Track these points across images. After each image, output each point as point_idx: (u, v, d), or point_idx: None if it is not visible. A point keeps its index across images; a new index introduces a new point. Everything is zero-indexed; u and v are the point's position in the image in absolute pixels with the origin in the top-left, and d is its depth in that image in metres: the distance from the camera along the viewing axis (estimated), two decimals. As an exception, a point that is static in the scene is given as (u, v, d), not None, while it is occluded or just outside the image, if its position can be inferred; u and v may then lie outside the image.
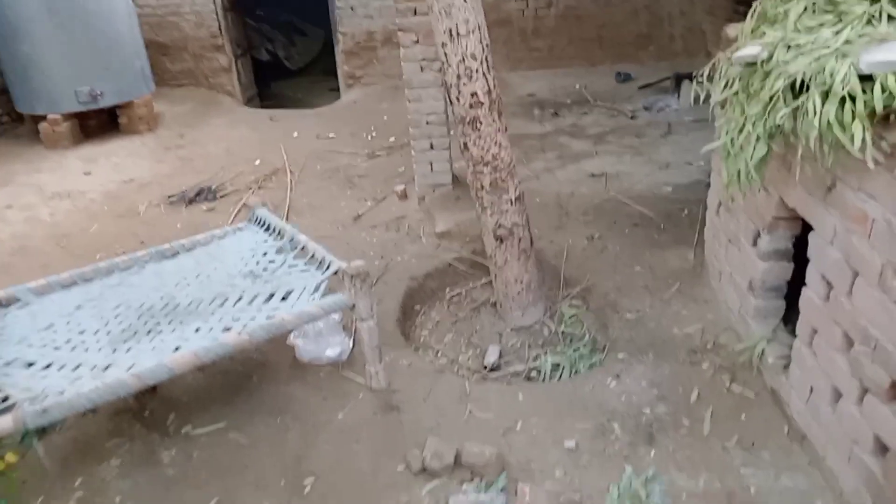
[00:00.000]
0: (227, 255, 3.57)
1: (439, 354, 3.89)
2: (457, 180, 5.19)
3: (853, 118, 1.85)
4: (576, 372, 3.57)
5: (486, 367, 3.74)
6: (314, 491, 2.79)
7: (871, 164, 1.86)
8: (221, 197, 5.71)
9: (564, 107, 7.37)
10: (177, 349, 2.76)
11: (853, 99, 1.86)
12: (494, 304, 4.20)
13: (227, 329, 2.91)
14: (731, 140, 2.39)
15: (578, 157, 5.82)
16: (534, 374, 3.69)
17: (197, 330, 2.94)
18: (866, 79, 1.87)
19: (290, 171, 6.12)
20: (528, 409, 3.21)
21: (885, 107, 1.82)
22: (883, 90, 1.81)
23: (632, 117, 6.77)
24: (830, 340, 2.32)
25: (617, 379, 3.30)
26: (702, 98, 2.73)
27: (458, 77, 3.26)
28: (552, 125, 6.79)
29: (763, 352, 2.93)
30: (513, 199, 3.64)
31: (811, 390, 2.50)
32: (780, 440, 2.72)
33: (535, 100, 7.69)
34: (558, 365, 3.70)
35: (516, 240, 3.77)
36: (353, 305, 3.12)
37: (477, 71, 3.24)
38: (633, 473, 2.67)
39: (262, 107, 9.06)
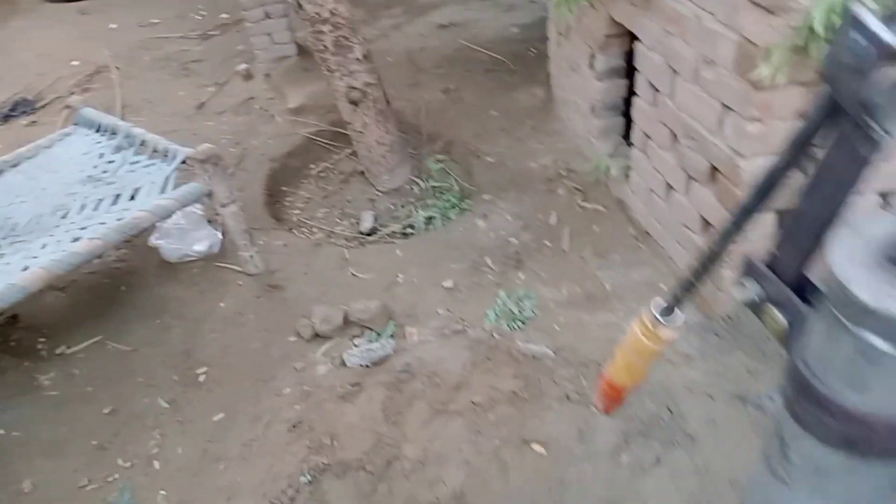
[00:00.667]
0: (60, 164, 3.27)
1: (314, 230, 3.88)
2: (302, 50, 4.92)
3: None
4: (448, 220, 3.70)
5: (362, 234, 3.79)
6: (210, 378, 2.81)
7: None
8: (42, 107, 5.10)
9: (403, -41, 6.99)
10: (25, 269, 2.56)
11: None
12: (363, 173, 4.17)
13: (77, 240, 2.73)
14: (554, -42, 2.41)
15: (425, 10, 5.64)
16: (409, 230, 3.79)
17: (44, 246, 2.73)
18: None
19: (116, 68, 5.52)
20: (407, 263, 3.33)
21: None
22: None
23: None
24: (659, 141, 2.53)
25: (485, 218, 3.47)
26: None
27: (272, -73, 2.99)
28: (394, -21, 6.46)
29: (608, 167, 3.16)
30: (360, 58, 3.52)
31: (649, 191, 2.76)
32: (628, 242, 3.02)
33: (372, -45, 7.22)
34: (431, 217, 3.81)
35: (371, 101, 3.69)
36: (210, 192, 3.00)
37: (292, -81, 2.98)
38: (507, 296, 2.89)
39: (67, 1, 7.91)
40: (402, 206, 3.98)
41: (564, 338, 2.67)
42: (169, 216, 3.03)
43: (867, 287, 0.45)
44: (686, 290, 0.73)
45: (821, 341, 0.51)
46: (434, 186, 4.05)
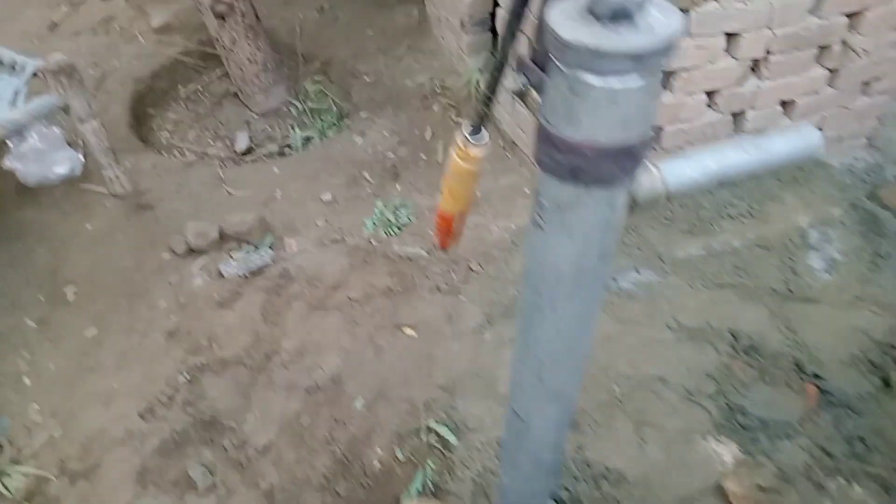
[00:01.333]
0: None
1: (186, 152, 3.77)
2: (162, -36, 4.61)
3: None
4: (326, 138, 3.72)
5: (238, 153, 3.73)
6: (80, 296, 2.74)
7: None
8: None
9: None
10: None
11: None
12: (237, 94, 4.06)
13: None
14: None
15: (296, -73, 5.41)
16: (287, 150, 3.77)
17: None
18: None
19: (-55, -19, 4.92)
20: (285, 179, 3.34)
21: None
22: None
23: None
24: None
25: (362, 135, 3.52)
26: None
27: None
28: None
29: (477, 81, 3.29)
30: (222, -32, 3.38)
31: (514, 103, 2.93)
32: (497, 152, 3.19)
33: None
34: (309, 137, 3.81)
35: (239, 15, 3.57)
36: (67, 107, 2.84)
37: None
38: (384, 205, 2.99)
39: None
40: (279, 127, 3.93)
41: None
42: (21, 132, 2.85)
43: (569, 29, 0.59)
44: (485, 106, 0.86)
45: (550, 94, 0.65)
46: (312, 107, 4.03)
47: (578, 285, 0.76)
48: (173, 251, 2.87)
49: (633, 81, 0.59)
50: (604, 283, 0.80)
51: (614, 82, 0.59)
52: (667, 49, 0.59)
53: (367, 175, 3.28)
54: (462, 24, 3.35)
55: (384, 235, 2.87)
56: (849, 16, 2.35)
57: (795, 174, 2.76)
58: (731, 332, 2.34)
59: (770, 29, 2.27)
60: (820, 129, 2.70)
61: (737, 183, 2.63)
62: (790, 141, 0.75)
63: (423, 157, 3.31)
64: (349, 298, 2.49)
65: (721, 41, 2.27)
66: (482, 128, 0.91)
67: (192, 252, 2.87)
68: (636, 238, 2.65)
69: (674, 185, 0.74)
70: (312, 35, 4.28)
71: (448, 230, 1.10)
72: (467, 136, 0.92)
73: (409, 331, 2.34)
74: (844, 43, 2.42)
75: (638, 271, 2.56)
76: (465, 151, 0.92)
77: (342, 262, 2.73)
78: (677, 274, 2.53)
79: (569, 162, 0.64)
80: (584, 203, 0.67)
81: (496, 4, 3.02)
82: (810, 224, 2.62)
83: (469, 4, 3.22)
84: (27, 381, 2.40)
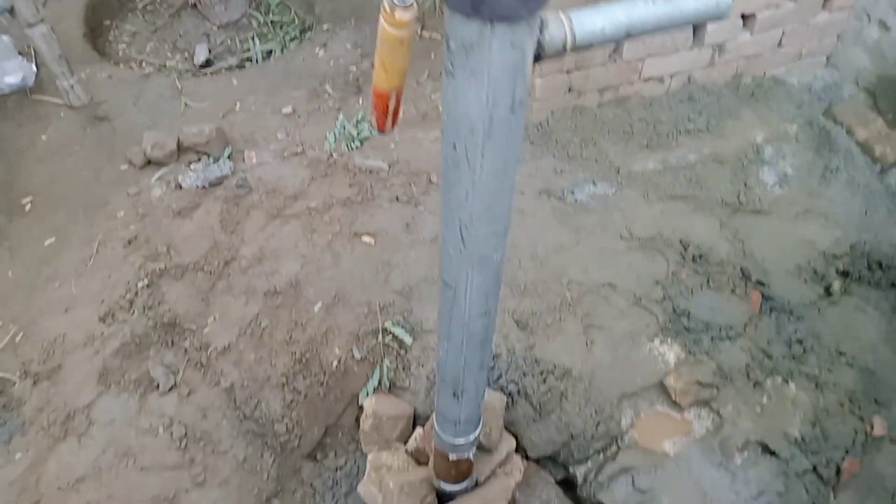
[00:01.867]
0: None
1: (143, 64, 3.66)
2: None
3: None
4: (287, 51, 3.63)
5: (197, 66, 3.63)
6: (37, 207, 2.71)
7: None
8: None
9: None
10: None
11: None
12: (195, 6, 3.93)
13: None
14: None
15: None
16: (247, 63, 3.68)
17: None
18: None
19: None
20: (245, 91, 3.27)
21: None
22: None
23: None
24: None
25: (324, 48, 3.45)
26: None
27: None
28: None
29: (442, -10, 3.20)
30: None
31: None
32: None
33: None
34: (270, 50, 3.72)
35: (193, -82, 3.41)
36: (11, 8, 2.73)
37: None
38: (346, 119, 2.96)
39: None
40: (239, 40, 3.83)
41: (399, 153, 2.81)
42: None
43: None
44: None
45: None
46: (273, 20, 3.92)
47: (490, 136, 0.78)
48: (131, 162, 2.83)
49: None
50: (519, 138, 0.82)
51: None
52: None
53: (329, 88, 3.23)
54: (427, -68, 3.24)
55: (345, 149, 2.85)
56: (812, -78, 2.33)
57: (754, 90, 2.78)
58: (681, 242, 2.40)
59: (732, -67, 2.24)
60: (780, 45, 2.71)
61: (644, 34, 2.65)
62: (699, -5, 0.76)
63: (387, 72, 3.26)
64: (308, 208, 2.49)
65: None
66: (407, -9, 0.90)
67: (150, 163, 2.84)
68: (594, 151, 2.67)
69: (581, 34, 0.75)
70: (274, -55, 4.11)
71: (384, 108, 1.11)
72: (393, 0, 0.91)
73: (367, 238, 2.37)
74: (807, -49, 2.40)
75: (594, 184, 2.59)
76: (392, 16, 0.91)
77: (302, 174, 2.72)
78: (633, 187, 2.57)
79: (469, -7, 0.64)
80: (489, 42, 0.68)
81: None
82: (765, 139, 2.66)
83: None
84: (-16, 288, 2.40)
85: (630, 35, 0.77)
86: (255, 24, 3.90)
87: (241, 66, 3.60)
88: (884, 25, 2.63)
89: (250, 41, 3.73)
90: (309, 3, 3.91)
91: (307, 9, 3.91)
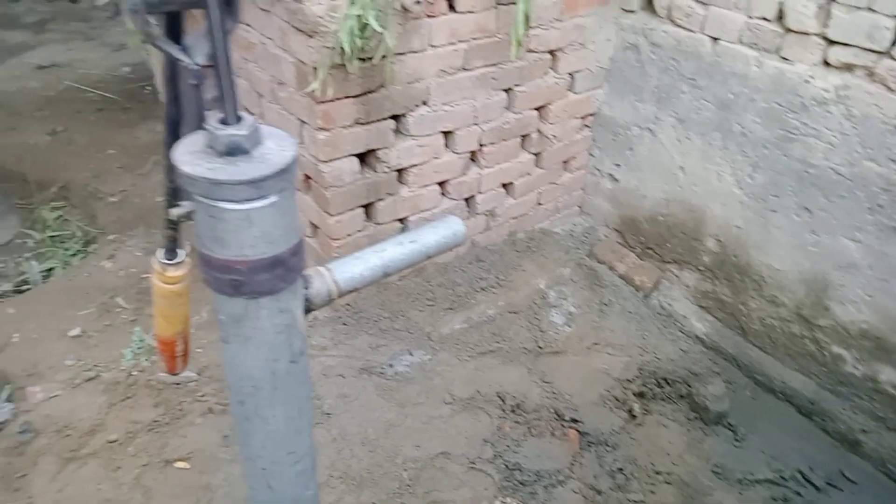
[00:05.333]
0: None
1: None
2: None
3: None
4: (70, 267, 3.41)
5: (-40, 299, 3.25)
6: None
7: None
8: None
9: (-16, -4, 6.21)
10: None
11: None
12: (-46, 233, 3.59)
13: None
14: None
15: (19, 50, 5.09)
16: (25, 286, 3.39)
17: None
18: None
19: None
20: (23, 319, 2.98)
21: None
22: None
23: (73, 1, 6.15)
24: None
25: (112, 259, 3.30)
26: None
27: None
28: (-28, 18, 5.69)
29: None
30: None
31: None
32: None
33: (-59, -10, 6.24)
34: (50, 269, 3.47)
35: (-54, 148, 3.21)
36: None
37: None
38: (143, 331, 2.80)
39: None
40: (14, 263, 3.53)
41: (208, 358, 2.70)
42: None
43: (190, 164, 0.67)
44: (171, 230, 0.90)
45: (197, 219, 0.72)
46: (53, 236, 3.69)
47: (277, 389, 0.81)
48: None
49: (261, 203, 0.68)
50: (306, 383, 0.86)
51: (244, 206, 0.67)
52: (285, 173, 0.69)
53: (121, 301, 3.06)
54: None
55: (147, 363, 2.68)
56: (538, 109, 2.83)
57: (529, 244, 3.16)
58: (498, 395, 2.54)
59: (478, 125, 2.64)
60: (540, 204, 3.15)
61: (483, 260, 2.93)
62: (439, 231, 0.90)
63: (185, 274, 3.19)
64: (108, 442, 2.26)
65: (440, 139, 2.58)
66: (176, 250, 0.94)
67: None
68: (404, 322, 2.80)
69: (344, 282, 0.83)
70: (46, 160, 3.98)
71: (172, 354, 1.09)
72: (164, 259, 0.94)
73: (181, 464, 2.18)
74: (540, 132, 2.89)
75: (411, 353, 2.69)
76: (164, 275, 0.94)
77: (98, 402, 2.48)
78: (446, 349, 2.70)
79: (228, 278, 0.70)
80: (256, 313, 0.73)
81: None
82: (547, 285, 3.00)
83: (213, 120, 3.26)
84: None
85: (387, 274, 0.88)
86: (31, 242, 3.64)
87: (17, 291, 3.30)
88: (613, 178, 3.19)
89: (26, 263, 3.46)
90: (91, 214, 3.77)
91: (89, 220, 3.76)
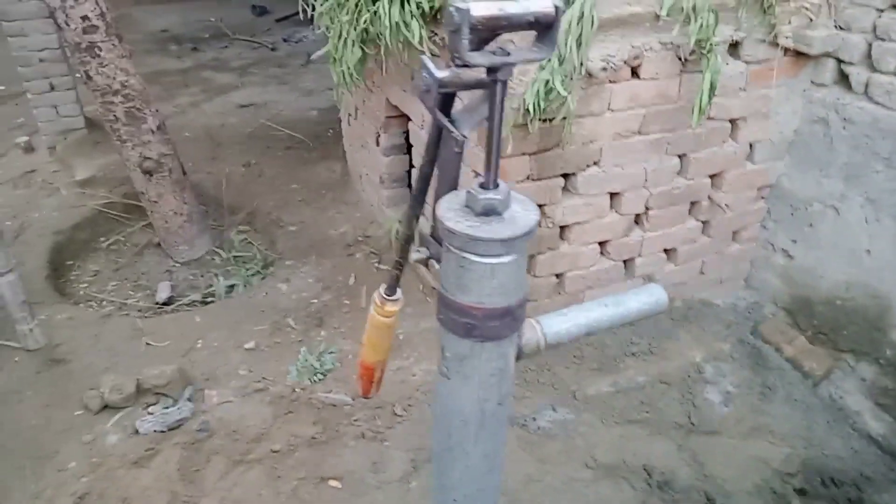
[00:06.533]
0: None
1: (104, 303, 3.73)
2: (92, 123, 4.80)
3: (412, 17, 2.35)
4: (250, 286, 3.79)
5: (158, 304, 3.72)
6: (-23, 462, 2.57)
7: (429, 55, 2.40)
8: None
9: (203, 41, 7.19)
10: None
11: (409, 1, 2.36)
12: (159, 245, 4.13)
13: None
14: (335, 47, 2.78)
15: (224, 90, 5.83)
16: (210, 299, 3.80)
17: None
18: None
19: None
20: (207, 328, 3.34)
21: (430, 7, 2.35)
22: (427, -7, 2.33)
23: (272, 49, 6.95)
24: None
25: (287, 282, 3.63)
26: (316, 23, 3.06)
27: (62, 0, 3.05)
28: (192, 60, 6.60)
29: (397, 231, 3.52)
30: (153, 129, 3.59)
31: (430, 248, 3.16)
32: (418, 297, 3.36)
33: (170, 35, 7.33)
34: (233, 285, 3.87)
35: (167, 171, 3.73)
36: (-17, 261, 2.83)
37: (81, -9, 3.07)
38: (308, 351, 3.04)
39: None
40: (203, 276, 3.99)
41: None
42: (-70, 288, 2.80)
43: (453, 220, 0.76)
44: (397, 270, 1.01)
45: (444, 266, 0.81)
46: (237, 256, 4.13)
47: (482, 427, 0.87)
48: (87, 407, 2.77)
49: (506, 259, 0.76)
50: (505, 425, 0.92)
51: (491, 260, 0.75)
52: (528, 235, 0.77)
53: (291, 322, 3.34)
54: (381, 180, 3.64)
55: (308, 382, 2.89)
56: (711, 176, 2.77)
57: (686, 313, 3.05)
58: (644, 468, 2.45)
59: (647, 188, 2.64)
60: (702, 273, 3.05)
61: (634, 324, 2.88)
62: (642, 298, 0.93)
63: (347, 303, 3.43)
64: (272, 451, 2.46)
65: (606, 199, 2.61)
66: (396, 288, 1.05)
67: (108, 408, 2.78)
68: (551, 377, 2.80)
69: (551, 336, 0.89)
70: (238, 188, 4.49)
71: (370, 379, 1.21)
72: (384, 294, 1.06)
73: (334, 483, 2.32)
74: (710, 199, 2.82)
75: (554, 409, 2.68)
76: (382, 308, 1.05)
77: (265, 413, 2.71)
78: (590, 411, 2.67)
79: (463, 321, 0.78)
80: (479, 355, 0.81)
81: (411, 165, 3.34)
82: (704, 359, 2.87)
83: (387, 164, 3.53)
84: None
85: (590, 333, 0.92)
86: (218, 260, 4.09)
87: (204, 303, 3.71)
88: (787, 254, 3.02)
89: (214, 278, 3.89)
90: (271, 240, 4.18)
91: (269, 245, 4.17)
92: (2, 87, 5.91)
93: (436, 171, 0.90)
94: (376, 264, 3.66)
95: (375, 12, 2.48)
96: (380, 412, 2.69)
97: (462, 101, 0.81)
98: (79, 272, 3.95)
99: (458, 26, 0.69)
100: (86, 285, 3.85)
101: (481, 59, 0.72)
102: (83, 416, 2.75)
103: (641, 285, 2.71)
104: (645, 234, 2.78)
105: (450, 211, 0.78)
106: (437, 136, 0.85)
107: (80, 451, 2.57)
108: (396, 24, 2.38)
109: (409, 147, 3.41)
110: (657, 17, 2.31)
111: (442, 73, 0.77)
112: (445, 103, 0.80)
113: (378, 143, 3.51)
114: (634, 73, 2.38)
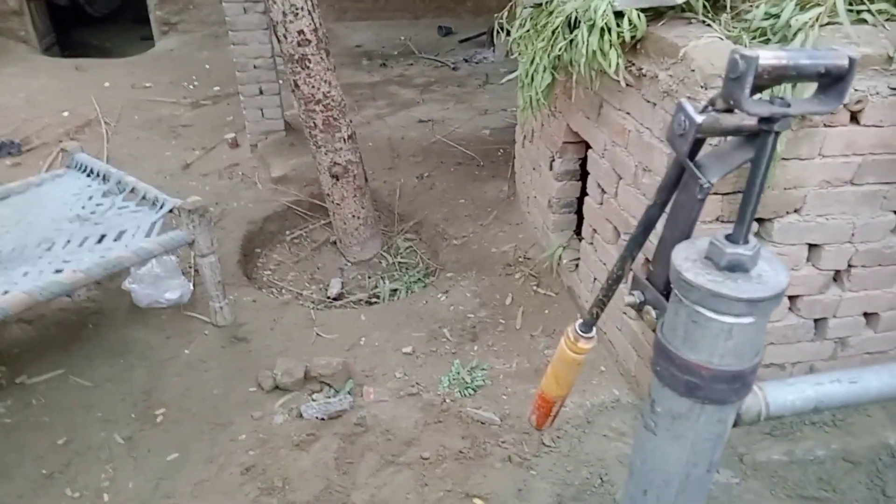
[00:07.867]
0: (49, 201, 3.43)
1: (283, 291, 4.06)
2: (290, 127, 5.28)
3: (610, 46, 2.33)
4: (412, 293, 3.94)
5: (329, 298, 3.99)
6: (168, 419, 2.89)
7: (623, 85, 2.35)
8: (27, 151, 5.28)
9: (392, 58, 7.64)
10: (6, 293, 2.67)
11: (610, 31, 2.33)
12: (335, 243, 4.43)
13: (59, 271, 2.86)
14: (525, 72, 2.82)
15: (407, 105, 6.14)
16: (374, 300, 4.01)
17: (25, 274, 2.85)
18: (619, 14, 2.34)
19: (105, 122, 5.78)
20: (370, 327, 3.52)
21: (631, 37, 2.31)
22: (629, 23, 2.29)
23: (454, 68, 7.21)
24: (604, 235, 2.88)
25: (446, 294, 3.72)
26: (509, 47, 3.13)
27: (284, 14, 3.39)
28: (381, 75, 7.03)
29: (560, 257, 3.49)
30: (345, 137, 3.86)
31: (594, 280, 3.08)
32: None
33: (363, 51, 7.87)
34: (396, 290, 4.05)
35: (351, 177, 4.00)
36: (193, 241, 3.19)
37: (302, 9, 3.39)
38: (461, 365, 3.10)
39: (64, 56, 8.27)
40: (370, 277, 4.22)
41: (511, 406, 2.87)
42: (149, 260, 3.21)
43: (692, 272, 0.72)
44: (599, 308, 0.99)
45: (671, 317, 0.77)
46: (401, 262, 4.32)
47: (684, 491, 0.82)
48: (260, 385, 3.02)
49: (746, 320, 0.71)
50: (707, 492, 0.86)
51: (730, 319, 0.71)
52: (777, 298, 0.71)
53: (447, 333, 3.42)
54: (549, 204, 3.63)
55: (459, 395, 2.94)
56: (934, 240, 2.44)
57: (883, 387, 2.70)
58: (816, 550, 2.21)
59: (852, 244, 2.38)
60: (908, 345, 2.68)
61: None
62: (883, 379, 0.83)
63: (502, 322, 3.45)
64: (421, 458, 2.52)
65: (803, 251, 2.38)
66: (594, 326, 1.03)
67: (277, 389, 3.02)
68: (714, 432, 2.61)
69: (775, 406, 0.82)
70: (410, 198, 4.69)
71: (547, 412, 1.19)
72: (579, 331, 1.04)
73: (478, 501, 2.33)
74: (930, 265, 2.48)
75: (718, 471, 2.49)
76: (575, 344, 1.04)
77: (416, 417, 2.79)
78: (758, 478, 2.45)
79: (685, 378, 0.74)
80: (697, 416, 0.77)
81: (584, 192, 3.29)
82: (901, 442, 2.52)
83: (558, 188, 3.51)
84: (106, 497, 2.50)
85: (818, 409, 0.84)
86: (384, 264, 4.31)
87: (369, 303, 3.92)
88: None
89: (379, 280, 4.10)
90: (434, 250, 4.32)
91: (432, 255, 4.31)
92: (217, 88, 6.69)
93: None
94: (534, 287, 3.65)
95: (572, 40, 2.48)
96: (527, 438, 2.67)
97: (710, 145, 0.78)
98: (265, 260, 4.34)
99: (741, 74, 0.66)
100: (269, 273, 4.22)
101: (760, 108, 0.68)
102: (256, 394, 3.00)
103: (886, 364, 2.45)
104: (844, 293, 2.50)
105: (687, 261, 0.74)
106: (676, 180, 0.82)
107: (251, 425, 2.81)
108: (594, 52, 2.36)
109: (583, 174, 3.37)
110: (890, 58, 2.08)
111: (701, 118, 0.74)
112: (695, 148, 0.77)
113: (552, 168, 3.50)
114: (854, 118, 2.16)
